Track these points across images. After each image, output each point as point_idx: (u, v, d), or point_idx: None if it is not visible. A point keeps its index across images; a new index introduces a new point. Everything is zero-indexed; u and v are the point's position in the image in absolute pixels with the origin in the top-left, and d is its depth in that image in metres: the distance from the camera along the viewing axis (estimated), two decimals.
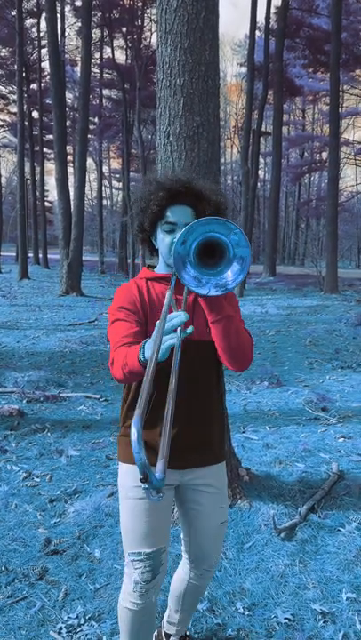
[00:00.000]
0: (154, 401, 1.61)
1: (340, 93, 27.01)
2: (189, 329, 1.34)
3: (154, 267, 1.80)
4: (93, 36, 23.90)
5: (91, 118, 27.50)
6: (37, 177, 33.97)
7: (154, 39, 29.67)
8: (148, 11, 26.83)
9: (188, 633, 2.08)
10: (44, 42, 26.67)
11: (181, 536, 1.85)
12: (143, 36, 27.71)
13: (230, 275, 1.33)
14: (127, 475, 1.67)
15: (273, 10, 23.99)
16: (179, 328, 1.30)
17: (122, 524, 1.70)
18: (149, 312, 1.64)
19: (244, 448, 4.09)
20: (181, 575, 1.90)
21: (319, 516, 3.00)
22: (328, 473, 3.60)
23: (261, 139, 29.92)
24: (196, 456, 1.68)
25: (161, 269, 1.75)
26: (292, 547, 2.72)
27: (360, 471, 3.66)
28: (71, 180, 18.64)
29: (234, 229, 1.28)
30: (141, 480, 0.86)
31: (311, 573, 2.50)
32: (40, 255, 34.95)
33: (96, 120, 33.42)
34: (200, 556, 1.80)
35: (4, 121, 38.19)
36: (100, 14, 26.67)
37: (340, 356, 7.63)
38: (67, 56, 27.68)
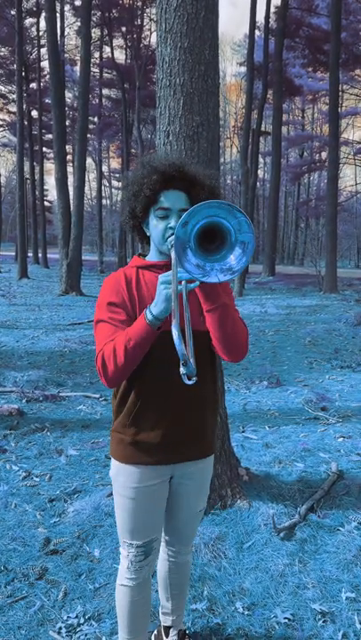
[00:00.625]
0: (149, 398, 1.61)
1: (340, 93, 27.05)
2: (194, 284, 1.40)
3: (145, 255, 1.76)
4: (93, 35, 23.90)
5: (90, 118, 27.49)
6: (37, 176, 33.99)
7: (153, 38, 29.67)
8: (148, 10, 26.85)
9: (187, 632, 2.08)
10: (43, 41, 26.69)
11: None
12: (143, 36, 27.73)
13: (233, 258, 1.32)
14: (120, 473, 1.68)
15: (273, 9, 24.05)
16: (184, 281, 1.38)
17: (116, 515, 1.75)
18: (138, 304, 1.60)
19: (243, 448, 4.09)
20: (161, 555, 1.96)
21: (319, 516, 3.00)
22: (327, 472, 3.60)
23: (261, 138, 29.94)
24: (190, 450, 1.69)
25: (153, 257, 1.70)
26: (292, 546, 2.72)
27: (359, 471, 3.66)
28: (71, 179, 18.65)
29: (237, 214, 1.26)
30: (183, 364, 1.22)
31: (311, 573, 2.51)
32: (39, 255, 34.95)
33: (95, 119, 33.42)
34: (177, 538, 1.88)
35: (4, 120, 38.20)
36: (99, 14, 26.69)
37: (340, 355, 7.63)
38: (66, 55, 27.68)
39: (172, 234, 1.52)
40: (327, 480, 3.43)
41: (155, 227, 1.61)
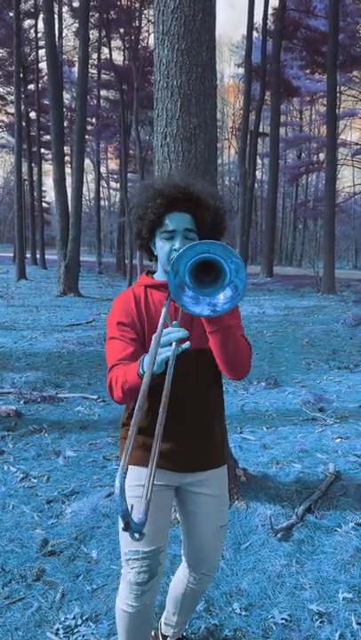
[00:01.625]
0: (158, 411, 1.61)
1: (338, 94, 27.04)
2: (185, 344, 1.35)
3: (153, 272, 1.78)
4: (91, 36, 23.91)
5: (88, 119, 27.49)
6: (35, 177, 33.96)
7: (151, 40, 29.68)
8: (146, 12, 26.85)
9: (184, 634, 2.09)
10: (41, 42, 26.72)
11: (181, 537, 1.86)
12: (141, 37, 27.71)
13: (222, 297, 1.32)
14: (127, 475, 1.67)
15: (270, 11, 24.04)
16: (174, 342, 1.34)
17: (120, 525, 1.70)
18: (147, 323, 1.63)
19: (241, 449, 4.10)
20: (180, 577, 1.90)
21: (316, 517, 3.01)
22: (325, 473, 3.61)
23: (259, 140, 29.96)
24: (198, 459, 1.69)
25: (160, 276, 1.73)
26: (289, 547, 2.72)
27: (357, 471, 3.66)
28: (69, 180, 18.65)
29: (234, 258, 1.26)
30: (123, 529, 1.00)
31: (308, 574, 2.51)
32: (37, 256, 34.92)
33: (94, 121, 33.42)
34: (199, 560, 1.79)
35: (2, 121, 38.10)
36: (97, 15, 26.67)
37: (338, 356, 7.64)
38: (64, 57, 27.69)
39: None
40: (325, 481, 3.43)
41: (161, 248, 1.63)
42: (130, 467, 1.66)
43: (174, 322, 1.44)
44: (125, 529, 0.99)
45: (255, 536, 2.82)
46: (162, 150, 2.94)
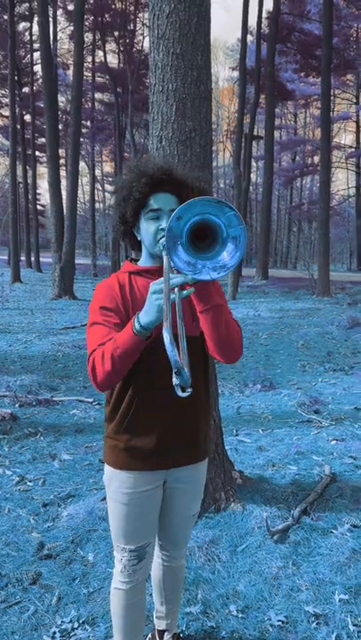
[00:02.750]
0: (142, 404, 1.61)
1: (332, 98, 27.22)
2: (188, 291, 1.35)
3: (137, 260, 1.75)
4: (86, 39, 23.93)
5: (83, 122, 27.50)
6: (29, 180, 33.90)
7: (146, 43, 29.75)
8: (141, 15, 26.94)
9: (181, 635, 2.09)
10: (36, 45, 26.67)
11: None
12: (135, 40, 27.82)
13: (226, 255, 1.30)
14: (113, 479, 1.68)
15: (265, 14, 24.20)
16: (176, 288, 1.34)
17: (110, 520, 1.75)
18: (131, 308, 1.59)
19: (237, 451, 4.10)
20: (155, 560, 1.96)
21: (312, 519, 3.02)
22: (321, 475, 3.62)
23: (254, 142, 30.03)
24: (184, 455, 1.69)
25: (145, 262, 1.69)
26: (285, 549, 2.73)
27: (352, 473, 3.68)
28: (64, 183, 18.64)
29: (225, 210, 1.25)
30: (175, 373, 1.16)
31: (304, 575, 2.52)
32: (32, 259, 34.85)
33: (88, 124, 33.44)
34: (170, 542, 1.88)
35: None
36: (92, 18, 26.74)
37: (333, 358, 7.67)
38: (59, 59, 27.68)
39: (164, 235, 1.50)
40: (320, 483, 3.44)
41: (146, 230, 1.60)
42: (114, 470, 1.66)
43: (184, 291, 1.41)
44: (177, 374, 1.15)
45: (251, 538, 2.83)
46: (157, 153, 2.95)
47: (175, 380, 1.17)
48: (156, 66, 2.92)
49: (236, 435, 4.53)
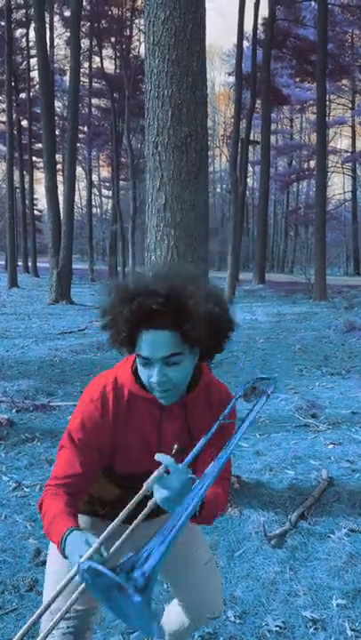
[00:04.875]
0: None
1: (327, 103, 27.30)
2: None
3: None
4: (82, 45, 24.00)
5: (80, 127, 27.57)
6: (27, 185, 33.95)
7: (142, 49, 29.88)
8: (137, 21, 27.06)
9: None
10: (33, 51, 26.78)
11: (171, 593, 1.69)
12: (132, 46, 27.92)
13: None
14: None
15: (260, 20, 24.29)
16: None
17: (45, 581, 1.49)
18: (123, 444, 1.34)
19: (233, 456, 4.10)
20: (176, 611, 1.67)
21: (309, 523, 3.01)
22: (318, 480, 3.61)
23: (250, 147, 30.15)
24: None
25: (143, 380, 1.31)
26: (283, 554, 2.72)
27: (349, 477, 3.68)
28: (61, 188, 18.70)
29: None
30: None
31: (302, 580, 2.51)
32: (29, 264, 34.85)
33: (85, 129, 33.53)
34: (195, 604, 1.60)
35: None
36: (88, 24, 26.84)
37: (330, 362, 7.67)
38: (56, 65, 27.79)
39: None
40: (318, 487, 3.44)
41: (139, 367, 1.27)
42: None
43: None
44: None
45: (249, 543, 2.82)
46: (153, 159, 2.96)
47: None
48: (152, 72, 2.94)
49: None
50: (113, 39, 28.62)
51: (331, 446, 4.31)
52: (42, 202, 45.46)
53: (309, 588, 2.45)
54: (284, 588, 2.45)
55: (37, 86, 22.62)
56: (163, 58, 2.89)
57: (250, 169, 41.34)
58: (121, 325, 1.21)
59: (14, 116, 26.03)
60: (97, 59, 30.09)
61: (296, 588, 2.46)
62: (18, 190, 32.46)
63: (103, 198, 54.40)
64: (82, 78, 25.80)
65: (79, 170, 35.32)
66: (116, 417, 1.32)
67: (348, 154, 40.78)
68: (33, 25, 19.17)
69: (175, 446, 1.30)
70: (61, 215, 17.09)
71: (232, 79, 30.73)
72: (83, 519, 1.49)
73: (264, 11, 23.74)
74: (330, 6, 21.41)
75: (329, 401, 5.68)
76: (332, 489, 3.46)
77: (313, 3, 23.61)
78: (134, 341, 1.23)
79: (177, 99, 2.90)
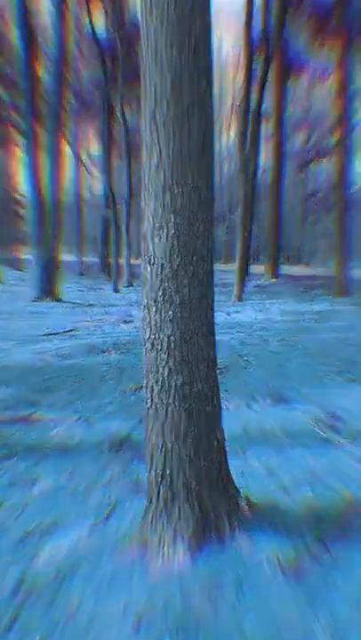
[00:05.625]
0: None
1: (350, 72, 27.25)
2: None
3: None
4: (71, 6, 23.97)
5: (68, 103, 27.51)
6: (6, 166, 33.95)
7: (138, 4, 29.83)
8: None
9: None
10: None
11: None
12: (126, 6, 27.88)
13: None
14: None
15: None
16: None
17: None
18: None
19: (243, 474, 4.11)
20: None
21: (329, 551, 3.02)
22: (339, 501, 3.62)
23: (263, 121, 30.10)
24: None
25: None
26: (298, 586, 2.73)
27: None
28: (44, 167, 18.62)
29: None
30: None
31: (321, 617, 2.52)
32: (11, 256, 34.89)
33: (73, 101, 33.51)
34: None
35: None
36: None
37: (353, 368, 7.68)
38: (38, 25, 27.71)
39: None
40: (338, 509, 3.45)
41: None
42: None
43: None
44: None
45: (260, 574, 2.83)
46: (150, 133, 2.97)
47: None
48: (149, 34, 2.93)
49: (243, 456, 4.53)
50: None
51: (354, 463, 4.32)
52: (24, 185, 45.45)
53: (329, 624, 2.46)
54: (300, 626, 2.46)
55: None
56: (161, 17, 2.89)
57: (264, 145, 41.33)
58: None
59: None
60: (86, 20, 30.08)
61: (314, 625, 2.46)
62: None
63: (95, 180, 54.39)
64: (70, 45, 25.80)
65: (66, 149, 35.27)
66: None
67: None
68: None
69: None
70: (45, 199, 16.95)
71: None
72: None
73: None
74: None
75: (352, 412, 5.68)
76: (356, 512, 3.47)
77: None
78: None
79: (177, 64, 2.90)
